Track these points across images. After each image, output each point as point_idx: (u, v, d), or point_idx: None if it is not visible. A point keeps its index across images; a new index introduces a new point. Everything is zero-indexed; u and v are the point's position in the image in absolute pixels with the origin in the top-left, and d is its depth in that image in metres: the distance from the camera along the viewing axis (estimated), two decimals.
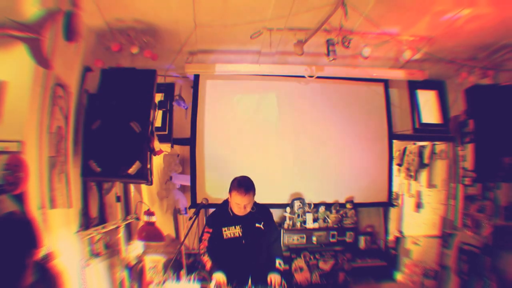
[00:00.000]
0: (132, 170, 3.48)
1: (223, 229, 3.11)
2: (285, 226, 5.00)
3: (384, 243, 5.64)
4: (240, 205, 3.01)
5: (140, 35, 3.83)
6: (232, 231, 3.10)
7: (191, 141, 5.02)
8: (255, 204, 3.17)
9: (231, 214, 3.11)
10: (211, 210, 5.01)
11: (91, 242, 3.50)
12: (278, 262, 3.10)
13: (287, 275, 4.58)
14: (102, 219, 4.05)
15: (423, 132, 5.34)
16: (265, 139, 5.15)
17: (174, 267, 3.64)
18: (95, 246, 3.57)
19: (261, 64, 4.68)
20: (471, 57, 4.34)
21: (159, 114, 4.78)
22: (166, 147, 4.88)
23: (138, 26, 3.72)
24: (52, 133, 2.95)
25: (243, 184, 3.01)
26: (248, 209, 3.06)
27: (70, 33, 2.91)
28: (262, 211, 3.23)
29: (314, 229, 5.03)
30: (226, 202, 3.21)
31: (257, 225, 3.14)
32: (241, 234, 3.10)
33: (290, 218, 5.04)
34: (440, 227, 5.20)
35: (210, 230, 3.15)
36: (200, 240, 3.19)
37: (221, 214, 3.19)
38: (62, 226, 3.03)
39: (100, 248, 3.63)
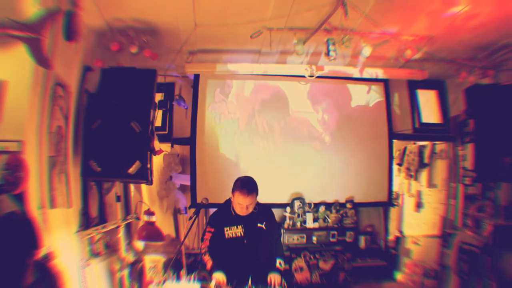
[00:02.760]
0: (132, 170, 3.48)
1: (225, 228, 3.11)
2: (285, 225, 5.01)
3: (384, 243, 5.64)
4: (242, 205, 3.00)
5: (140, 34, 3.83)
6: (234, 231, 3.10)
7: (191, 141, 5.02)
8: (258, 204, 3.15)
9: (233, 213, 3.11)
10: (211, 210, 5.02)
11: (91, 242, 3.50)
12: (279, 262, 3.09)
13: (287, 275, 4.59)
14: (102, 219, 4.05)
15: (423, 131, 5.35)
16: (265, 138, 5.15)
17: (174, 267, 3.64)
18: (95, 246, 3.57)
19: (261, 64, 4.68)
20: (471, 56, 4.33)
21: (159, 114, 4.79)
22: (166, 147, 4.88)
23: (138, 25, 3.72)
24: (52, 133, 2.95)
25: (246, 185, 3.00)
26: (251, 210, 3.05)
27: (70, 32, 2.91)
28: (264, 211, 3.21)
29: (314, 229, 5.03)
30: (228, 201, 3.21)
31: (259, 225, 3.13)
32: (243, 234, 3.09)
33: (290, 218, 5.04)
34: (440, 227, 5.20)
35: (212, 230, 3.14)
36: (202, 239, 3.18)
37: (223, 213, 3.18)
38: (62, 226, 3.02)
39: (100, 248, 3.64)
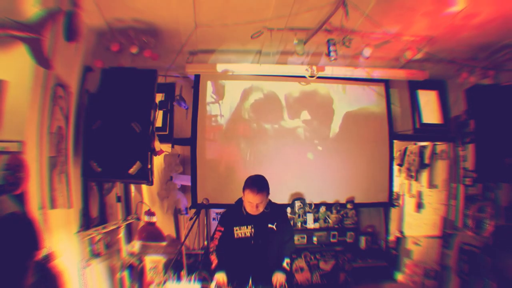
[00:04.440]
0: (132, 170, 3.48)
1: (235, 228, 3.09)
2: None
3: (384, 243, 5.63)
4: (252, 203, 2.98)
5: (140, 35, 3.83)
6: (243, 231, 3.08)
7: (191, 141, 5.01)
8: (270, 204, 3.13)
9: (244, 213, 3.08)
10: (211, 210, 5.03)
11: (91, 242, 3.50)
12: (286, 262, 3.05)
13: (288, 275, 4.58)
14: (103, 219, 4.05)
15: (424, 132, 5.33)
16: (265, 139, 5.15)
17: (174, 267, 3.64)
18: (96, 246, 3.57)
19: (261, 64, 4.67)
20: (472, 57, 4.33)
21: (159, 114, 4.78)
22: (166, 147, 4.88)
23: (138, 26, 3.72)
24: (53, 133, 2.95)
25: (257, 183, 2.99)
26: (261, 209, 3.02)
27: (71, 33, 2.91)
28: (276, 211, 3.18)
29: (315, 229, 5.03)
30: (240, 201, 3.18)
31: (269, 225, 3.09)
32: (252, 235, 3.06)
33: (290, 218, 5.03)
34: (440, 227, 5.19)
35: (222, 229, 3.13)
36: (212, 238, 3.18)
37: (234, 213, 3.16)
38: (62, 226, 3.02)
39: (101, 248, 3.63)
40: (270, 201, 3.14)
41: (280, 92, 5.24)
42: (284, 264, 3.04)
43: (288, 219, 3.33)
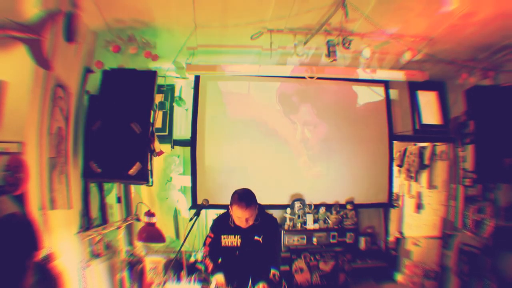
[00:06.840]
0: (132, 171, 3.49)
1: (223, 236, 3.07)
2: (286, 227, 5.00)
3: (384, 244, 5.63)
4: (241, 218, 2.92)
5: (140, 35, 3.83)
6: (230, 240, 3.05)
7: (191, 142, 5.01)
8: (261, 214, 3.06)
9: (232, 226, 3.04)
10: (211, 211, 5.02)
11: (91, 243, 3.50)
12: (273, 273, 2.92)
13: (287, 276, 4.58)
14: (103, 220, 4.05)
15: (424, 133, 5.34)
16: (266, 139, 5.15)
17: (174, 268, 3.64)
18: (96, 247, 3.57)
19: (261, 65, 4.67)
20: (472, 58, 4.34)
21: (159, 115, 4.78)
22: (166, 148, 4.88)
23: (138, 26, 3.73)
24: (53, 134, 2.96)
25: (244, 198, 2.90)
26: (251, 222, 2.96)
27: (71, 33, 2.93)
28: (266, 223, 3.08)
29: (315, 230, 5.03)
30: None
31: (256, 237, 3.03)
32: (238, 245, 3.03)
33: (290, 219, 5.03)
34: (440, 228, 5.19)
35: (212, 235, 3.13)
36: (204, 243, 3.18)
37: (224, 221, 3.12)
38: (62, 227, 3.02)
39: (101, 249, 3.63)
40: (261, 210, 3.07)
41: (279, 91, 5.24)
42: (271, 275, 2.90)
43: (277, 231, 3.24)
